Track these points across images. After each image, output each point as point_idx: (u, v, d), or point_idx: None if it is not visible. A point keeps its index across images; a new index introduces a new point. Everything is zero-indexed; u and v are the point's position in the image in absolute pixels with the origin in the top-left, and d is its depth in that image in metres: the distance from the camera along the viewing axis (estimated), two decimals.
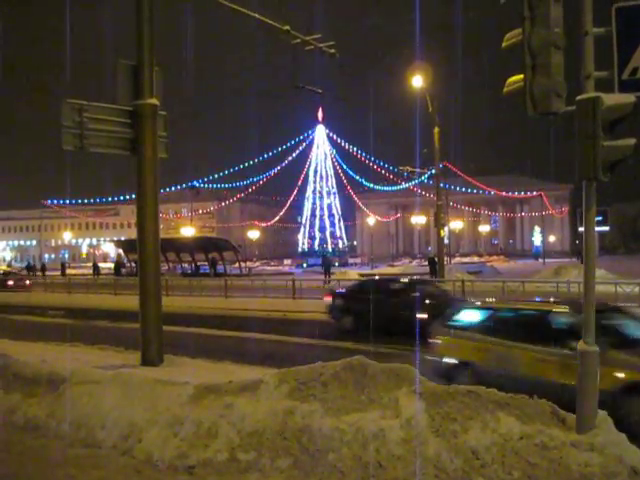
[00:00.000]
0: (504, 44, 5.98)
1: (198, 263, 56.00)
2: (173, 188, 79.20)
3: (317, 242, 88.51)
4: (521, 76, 5.72)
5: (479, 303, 11.88)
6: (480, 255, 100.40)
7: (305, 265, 77.69)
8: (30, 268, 66.81)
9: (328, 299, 20.17)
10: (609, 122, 5.42)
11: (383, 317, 15.90)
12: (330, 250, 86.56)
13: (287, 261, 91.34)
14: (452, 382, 7.73)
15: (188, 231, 75.35)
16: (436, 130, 35.19)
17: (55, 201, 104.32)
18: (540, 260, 69.64)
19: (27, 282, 42.71)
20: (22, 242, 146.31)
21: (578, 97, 5.52)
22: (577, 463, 5.15)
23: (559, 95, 5.56)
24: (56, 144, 10.26)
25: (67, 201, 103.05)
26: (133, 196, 11.20)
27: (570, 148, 5.56)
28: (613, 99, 5.42)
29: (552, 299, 11.44)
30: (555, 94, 5.54)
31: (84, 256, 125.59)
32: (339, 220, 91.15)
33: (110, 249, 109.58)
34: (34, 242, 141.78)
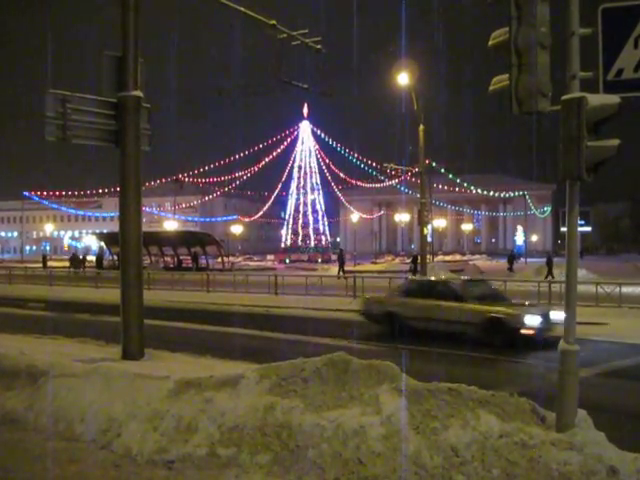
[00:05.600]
0: (490, 43, 5.99)
1: (180, 257, 55.83)
2: (157, 181, 78.91)
3: (300, 238, 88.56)
4: (507, 75, 5.73)
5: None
6: (463, 254, 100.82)
7: (288, 261, 77.73)
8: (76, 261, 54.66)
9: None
10: (594, 122, 5.43)
11: None
12: (313, 246, 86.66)
13: (270, 256, 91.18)
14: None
15: (171, 225, 75.16)
16: (421, 128, 35.23)
17: (37, 193, 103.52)
18: (522, 259, 69.85)
19: None
20: (3, 234, 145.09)
21: (563, 97, 5.53)
22: (556, 462, 5.17)
23: (544, 95, 5.58)
24: (39, 135, 10.18)
25: (49, 193, 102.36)
26: (116, 188, 11.13)
27: (554, 148, 5.57)
28: (598, 100, 5.44)
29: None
30: (540, 93, 5.55)
31: (66, 249, 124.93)
32: (323, 216, 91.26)
33: (92, 242, 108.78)
34: (15, 234, 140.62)
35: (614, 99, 5.44)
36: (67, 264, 53.38)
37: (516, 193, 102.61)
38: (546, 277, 33.84)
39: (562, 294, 6.11)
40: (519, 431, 5.50)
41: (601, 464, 5.13)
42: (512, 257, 48.41)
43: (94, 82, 10.98)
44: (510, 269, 46.00)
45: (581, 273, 27.37)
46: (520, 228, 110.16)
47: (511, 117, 5.80)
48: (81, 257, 58.68)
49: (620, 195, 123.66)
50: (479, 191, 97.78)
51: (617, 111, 5.45)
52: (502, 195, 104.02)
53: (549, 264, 36.72)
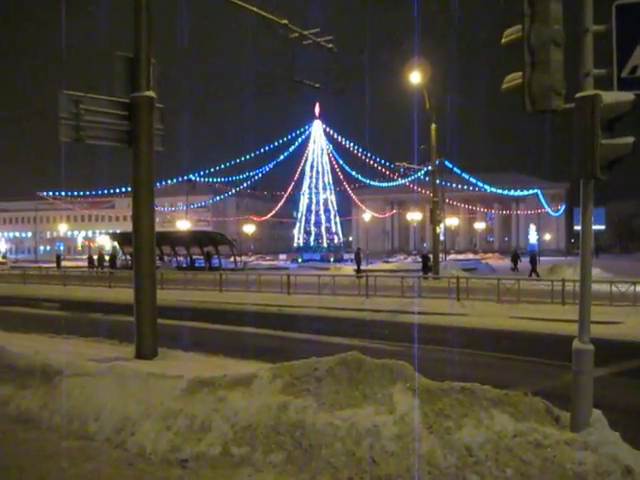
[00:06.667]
0: (503, 40, 5.95)
1: (193, 257, 55.97)
2: (169, 181, 79.14)
3: (312, 237, 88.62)
4: (520, 73, 5.70)
5: None
6: (475, 252, 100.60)
7: (300, 260, 77.82)
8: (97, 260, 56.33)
9: None
10: (608, 120, 5.39)
11: None
12: (325, 245, 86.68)
13: (282, 256, 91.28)
14: None
15: (184, 225, 75.37)
16: (433, 127, 35.22)
17: (50, 193, 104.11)
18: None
19: None
20: (17, 234, 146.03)
21: (577, 94, 5.50)
22: (571, 462, 5.15)
23: (558, 92, 5.54)
24: (52, 135, 10.22)
25: (62, 193, 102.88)
26: (129, 189, 11.16)
27: (568, 146, 5.53)
28: (612, 97, 5.40)
29: None
30: (554, 91, 5.51)
31: (80, 248, 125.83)
32: (335, 215, 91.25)
33: (106, 242, 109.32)
34: (29, 234, 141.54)
35: (628, 96, 5.40)
36: (82, 264, 54.12)
37: (529, 192, 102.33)
38: (530, 275, 35.12)
39: (575, 293, 6.06)
40: (533, 431, 5.47)
41: (616, 464, 5.10)
42: (516, 257, 48.22)
43: (107, 83, 11.01)
44: (514, 269, 45.85)
45: (595, 272, 27.27)
46: (533, 227, 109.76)
47: (525, 115, 5.77)
48: (107, 257, 59.57)
49: (634, 193, 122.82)
50: (492, 189, 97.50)
51: (631, 108, 5.41)
52: (515, 193, 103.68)
53: (533, 263, 37.93)
